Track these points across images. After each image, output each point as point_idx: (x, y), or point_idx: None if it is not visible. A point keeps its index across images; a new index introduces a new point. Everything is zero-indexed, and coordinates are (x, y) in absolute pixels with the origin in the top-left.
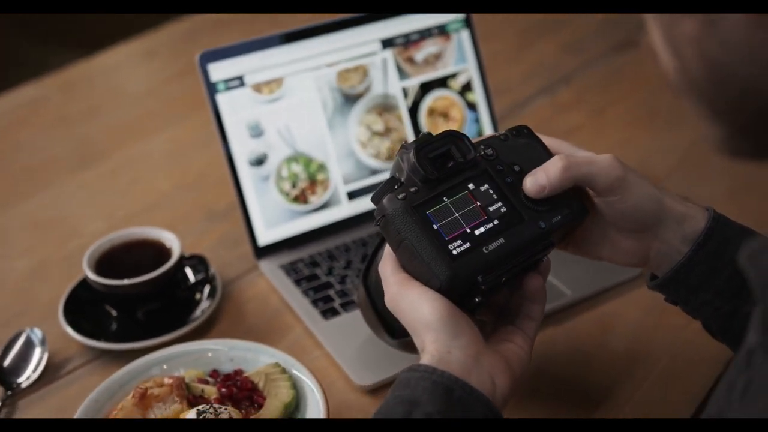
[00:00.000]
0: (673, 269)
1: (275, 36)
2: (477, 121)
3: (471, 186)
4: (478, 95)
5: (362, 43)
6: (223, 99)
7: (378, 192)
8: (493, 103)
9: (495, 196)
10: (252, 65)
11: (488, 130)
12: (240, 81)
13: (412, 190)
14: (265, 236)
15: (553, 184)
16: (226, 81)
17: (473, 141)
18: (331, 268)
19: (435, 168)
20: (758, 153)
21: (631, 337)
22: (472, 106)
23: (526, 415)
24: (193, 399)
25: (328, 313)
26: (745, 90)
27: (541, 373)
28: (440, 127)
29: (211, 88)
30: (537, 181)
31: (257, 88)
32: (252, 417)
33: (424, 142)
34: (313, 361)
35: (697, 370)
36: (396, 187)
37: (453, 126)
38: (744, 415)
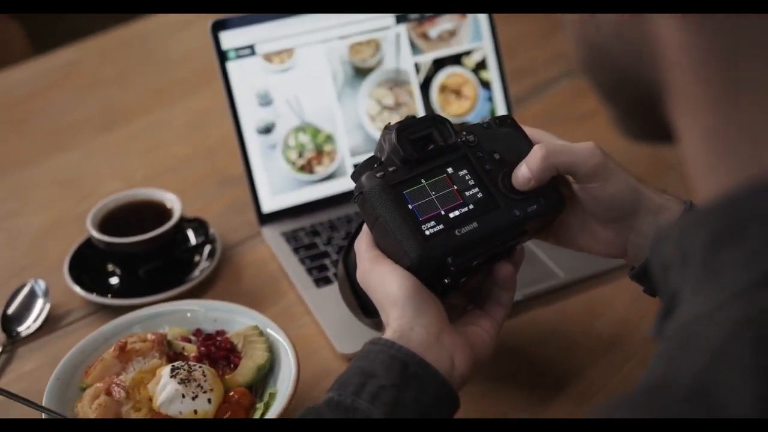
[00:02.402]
0: (646, 260)
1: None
2: (490, 99)
3: (449, 170)
4: (492, 73)
5: (376, 17)
6: (233, 67)
7: (358, 169)
8: (508, 81)
9: (472, 182)
10: (263, 35)
11: (501, 109)
12: (251, 50)
13: (391, 169)
14: (269, 203)
15: (536, 173)
16: (237, 49)
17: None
18: (331, 238)
19: (415, 149)
20: (648, 135)
21: (617, 323)
22: (485, 85)
23: (501, 395)
24: (174, 355)
25: (321, 281)
26: (621, 76)
27: (523, 353)
28: (452, 103)
29: (222, 56)
30: (522, 173)
31: (268, 57)
32: (226, 377)
33: (407, 124)
34: (300, 327)
35: None
36: (376, 165)
37: (465, 104)
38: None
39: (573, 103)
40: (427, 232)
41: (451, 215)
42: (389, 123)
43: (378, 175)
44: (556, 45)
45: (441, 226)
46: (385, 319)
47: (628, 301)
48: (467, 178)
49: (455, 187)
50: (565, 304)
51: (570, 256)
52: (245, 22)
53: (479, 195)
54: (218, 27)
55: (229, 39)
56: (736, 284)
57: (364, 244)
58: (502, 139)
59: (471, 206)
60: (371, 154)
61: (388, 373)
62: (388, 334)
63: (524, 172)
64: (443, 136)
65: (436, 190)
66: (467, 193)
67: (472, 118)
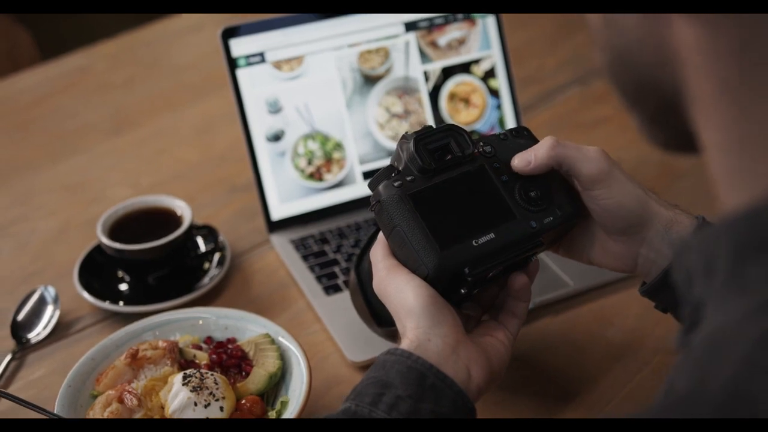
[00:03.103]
0: (659, 275)
1: (298, 14)
2: (499, 108)
3: (467, 180)
4: (501, 82)
5: (385, 25)
6: (243, 74)
7: (375, 178)
8: (517, 90)
9: (489, 193)
10: (273, 42)
11: (510, 118)
12: (261, 57)
13: (409, 178)
14: (278, 211)
15: (539, 159)
16: (247, 57)
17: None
18: (340, 245)
19: (432, 159)
20: (673, 144)
21: (628, 332)
22: (494, 93)
23: (512, 404)
24: (185, 363)
25: (331, 289)
26: (643, 81)
27: (534, 361)
28: (460, 111)
29: (232, 63)
30: (526, 155)
31: (277, 65)
32: (238, 385)
33: (425, 134)
34: (310, 335)
35: None
36: (393, 174)
37: (474, 112)
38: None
39: (581, 110)
40: (444, 243)
41: (468, 226)
42: (407, 132)
43: (396, 184)
44: (565, 52)
45: (458, 237)
46: (401, 329)
47: (639, 310)
48: (484, 188)
49: (472, 198)
50: (575, 313)
51: (580, 265)
52: (255, 30)
53: (496, 206)
54: (228, 34)
55: (239, 46)
56: (761, 296)
57: (380, 253)
58: (519, 150)
59: (488, 217)
60: (380, 161)
61: (405, 384)
62: (405, 344)
63: (528, 155)
64: (461, 146)
65: (453, 200)
66: (484, 204)
67: (481, 127)
